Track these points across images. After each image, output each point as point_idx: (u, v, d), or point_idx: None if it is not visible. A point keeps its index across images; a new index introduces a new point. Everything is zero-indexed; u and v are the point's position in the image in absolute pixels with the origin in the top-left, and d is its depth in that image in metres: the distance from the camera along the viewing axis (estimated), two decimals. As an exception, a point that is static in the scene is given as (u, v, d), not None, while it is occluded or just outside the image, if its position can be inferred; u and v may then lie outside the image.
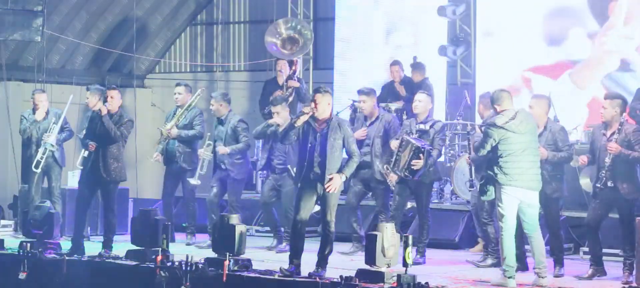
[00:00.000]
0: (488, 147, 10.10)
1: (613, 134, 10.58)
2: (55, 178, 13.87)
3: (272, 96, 14.45)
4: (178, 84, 13.65)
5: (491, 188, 10.15)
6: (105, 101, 12.21)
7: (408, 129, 11.91)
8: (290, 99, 14.38)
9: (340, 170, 10.49)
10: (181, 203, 13.94)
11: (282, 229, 12.88)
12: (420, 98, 12.01)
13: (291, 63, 15.03)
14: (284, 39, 15.52)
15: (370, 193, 12.65)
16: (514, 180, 10.04)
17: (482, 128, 10.55)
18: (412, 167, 11.45)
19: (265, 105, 14.22)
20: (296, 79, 14.81)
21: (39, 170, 13.71)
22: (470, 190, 11.56)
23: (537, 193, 10.23)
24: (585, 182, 10.87)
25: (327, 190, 10.42)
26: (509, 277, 10.08)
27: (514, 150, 10.05)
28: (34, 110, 13.98)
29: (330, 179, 10.41)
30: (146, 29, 19.36)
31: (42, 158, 13.67)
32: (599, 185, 10.58)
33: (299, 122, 10.59)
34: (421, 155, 11.44)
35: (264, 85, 15.24)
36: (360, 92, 12.50)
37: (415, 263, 10.68)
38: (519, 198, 10.09)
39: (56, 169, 13.87)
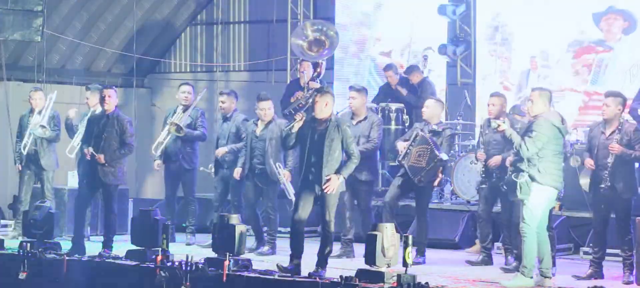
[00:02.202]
0: (540, 145, 9.97)
1: (613, 132, 10.57)
2: (47, 180, 13.82)
3: (294, 97, 14.47)
4: (186, 83, 13.65)
5: (530, 188, 10.02)
6: (102, 101, 12.15)
7: (419, 128, 11.90)
8: (311, 100, 14.40)
9: (338, 171, 10.47)
10: (181, 203, 13.93)
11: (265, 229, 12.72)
12: (428, 104, 12.02)
13: (316, 65, 15.05)
14: (311, 41, 15.54)
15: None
16: (555, 182, 10.04)
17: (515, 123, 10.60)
18: (432, 183, 11.56)
19: (286, 105, 14.26)
20: (318, 80, 14.82)
21: (25, 152, 13.72)
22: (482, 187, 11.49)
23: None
24: (585, 182, 10.82)
25: (325, 191, 10.40)
26: (530, 277, 10.10)
27: (559, 151, 10.06)
28: (31, 110, 13.91)
29: (328, 180, 10.39)
30: (146, 28, 19.35)
31: (27, 142, 13.68)
32: (602, 187, 10.55)
33: (295, 128, 10.54)
34: (441, 169, 11.51)
35: (286, 86, 15.26)
36: (351, 88, 12.48)
37: (415, 263, 10.67)
38: (550, 199, 10.11)
39: (48, 172, 13.82)
